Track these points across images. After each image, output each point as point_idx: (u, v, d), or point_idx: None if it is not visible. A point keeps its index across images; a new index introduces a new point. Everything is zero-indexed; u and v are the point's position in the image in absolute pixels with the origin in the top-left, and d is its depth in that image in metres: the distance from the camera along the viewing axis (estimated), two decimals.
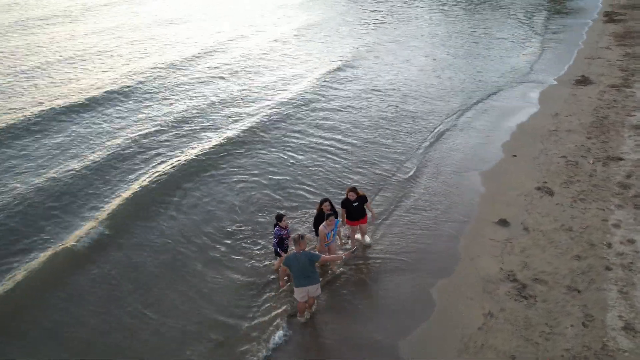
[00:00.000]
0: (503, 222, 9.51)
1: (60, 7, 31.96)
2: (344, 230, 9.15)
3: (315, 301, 7.57)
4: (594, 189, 10.51)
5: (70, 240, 9.14)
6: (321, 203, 8.16)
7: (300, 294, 7.11)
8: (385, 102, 16.31)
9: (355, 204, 8.50)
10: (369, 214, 8.84)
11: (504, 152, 12.36)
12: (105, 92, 16.85)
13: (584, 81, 17.55)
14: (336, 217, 8.09)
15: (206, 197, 10.76)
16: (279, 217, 8.10)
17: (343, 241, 9.16)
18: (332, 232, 8.04)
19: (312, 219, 8.88)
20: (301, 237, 7.00)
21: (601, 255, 8.43)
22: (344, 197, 8.67)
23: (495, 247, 8.86)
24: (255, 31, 26.17)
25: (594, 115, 14.43)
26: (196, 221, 9.91)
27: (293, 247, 7.49)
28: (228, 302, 7.84)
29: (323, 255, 7.15)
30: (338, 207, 8.62)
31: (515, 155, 12.17)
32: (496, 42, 23.21)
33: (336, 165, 12.16)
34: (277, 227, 8.04)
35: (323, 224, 7.90)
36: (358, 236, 9.09)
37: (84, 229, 9.47)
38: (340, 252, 8.48)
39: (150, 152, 12.84)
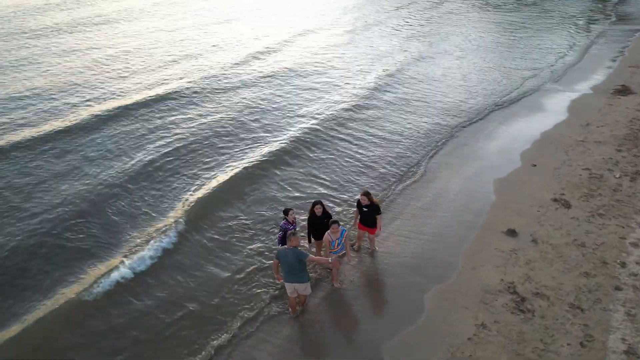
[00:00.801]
0: (511, 232, 9.17)
1: (113, 7, 32.25)
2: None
3: (307, 298, 7.60)
4: (616, 205, 9.94)
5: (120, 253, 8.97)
6: (313, 205, 8.08)
7: (288, 289, 7.18)
8: (409, 105, 16.04)
9: (366, 209, 8.32)
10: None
11: (523, 160, 11.89)
12: (152, 96, 16.31)
13: (623, 91, 16.55)
14: (339, 224, 7.75)
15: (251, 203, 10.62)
16: (286, 212, 8.16)
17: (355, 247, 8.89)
18: (338, 241, 7.73)
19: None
20: (293, 233, 7.06)
21: (613, 275, 7.97)
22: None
23: (500, 257, 8.57)
24: (300, 35, 25.16)
25: (628, 128, 13.61)
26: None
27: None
28: (221, 290, 8.04)
29: (310, 255, 7.16)
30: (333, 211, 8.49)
31: (535, 165, 11.68)
32: (535, 47, 22.28)
33: (353, 164, 12.15)
34: (284, 221, 8.12)
35: (328, 231, 7.69)
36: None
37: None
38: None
39: (203, 154, 12.66)
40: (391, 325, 7.16)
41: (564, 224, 9.39)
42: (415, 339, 6.92)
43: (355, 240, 8.97)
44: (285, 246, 7.11)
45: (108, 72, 19.31)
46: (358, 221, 8.63)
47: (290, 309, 7.52)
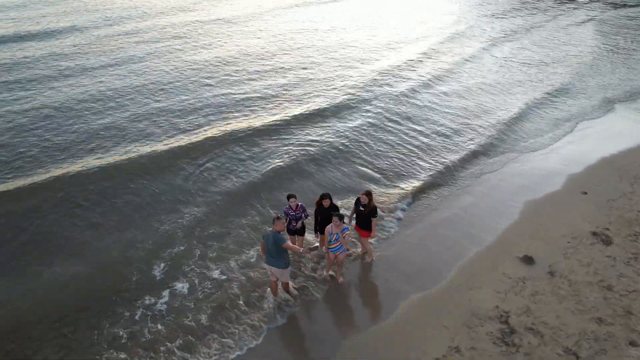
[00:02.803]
0: (527, 260, 8.33)
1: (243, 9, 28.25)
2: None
3: (289, 285, 7.68)
4: None
5: None
6: (321, 197, 7.96)
7: (267, 270, 7.37)
8: (475, 113, 15.00)
9: (362, 209, 8.04)
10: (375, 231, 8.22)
11: (568, 184, 10.62)
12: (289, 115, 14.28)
13: None
14: (341, 219, 7.44)
15: None
16: (288, 197, 8.28)
17: (357, 251, 8.66)
18: (336, 236, 7.44)
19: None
20: (278, 217, 7.20)
21: (632, 327, 6.89)
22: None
23: (504, 283, 7.85)
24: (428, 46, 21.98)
25: None
26: None
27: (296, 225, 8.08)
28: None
29: (288, 242, 7.21)
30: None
31: (585, 192, 10.38)
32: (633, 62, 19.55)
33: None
34: (287, 207, 8.19)
35: (330, 224, 7.54)
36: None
37: None
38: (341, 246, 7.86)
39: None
40: (357, 327, 7.01)
41: (595, 261, 8.28)
42: (382, 346, 6.67)
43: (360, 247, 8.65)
44: (271, 229, 7.28)
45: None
46: (354, 221, 8.36)
47: (271, 292, 7.70)
